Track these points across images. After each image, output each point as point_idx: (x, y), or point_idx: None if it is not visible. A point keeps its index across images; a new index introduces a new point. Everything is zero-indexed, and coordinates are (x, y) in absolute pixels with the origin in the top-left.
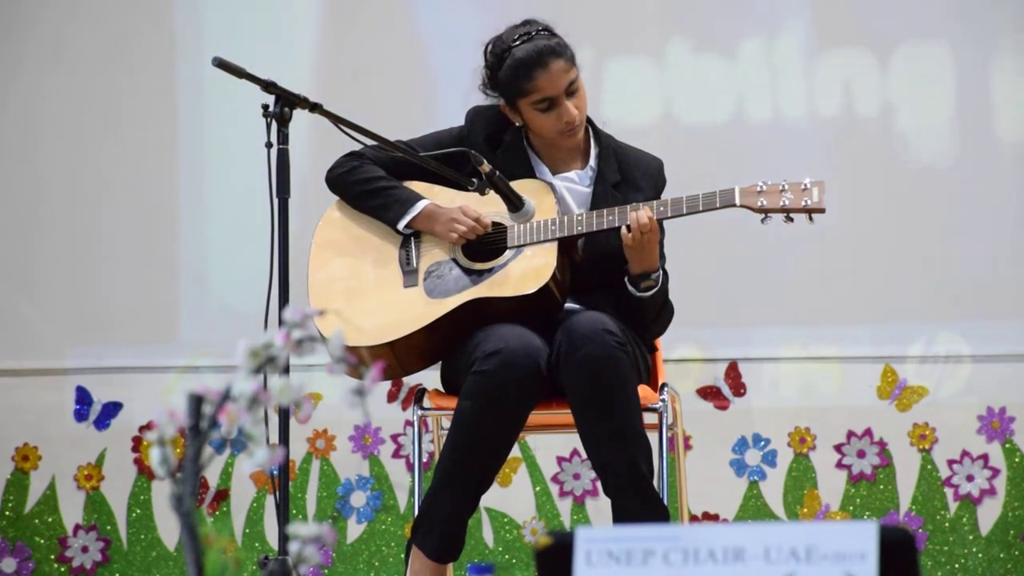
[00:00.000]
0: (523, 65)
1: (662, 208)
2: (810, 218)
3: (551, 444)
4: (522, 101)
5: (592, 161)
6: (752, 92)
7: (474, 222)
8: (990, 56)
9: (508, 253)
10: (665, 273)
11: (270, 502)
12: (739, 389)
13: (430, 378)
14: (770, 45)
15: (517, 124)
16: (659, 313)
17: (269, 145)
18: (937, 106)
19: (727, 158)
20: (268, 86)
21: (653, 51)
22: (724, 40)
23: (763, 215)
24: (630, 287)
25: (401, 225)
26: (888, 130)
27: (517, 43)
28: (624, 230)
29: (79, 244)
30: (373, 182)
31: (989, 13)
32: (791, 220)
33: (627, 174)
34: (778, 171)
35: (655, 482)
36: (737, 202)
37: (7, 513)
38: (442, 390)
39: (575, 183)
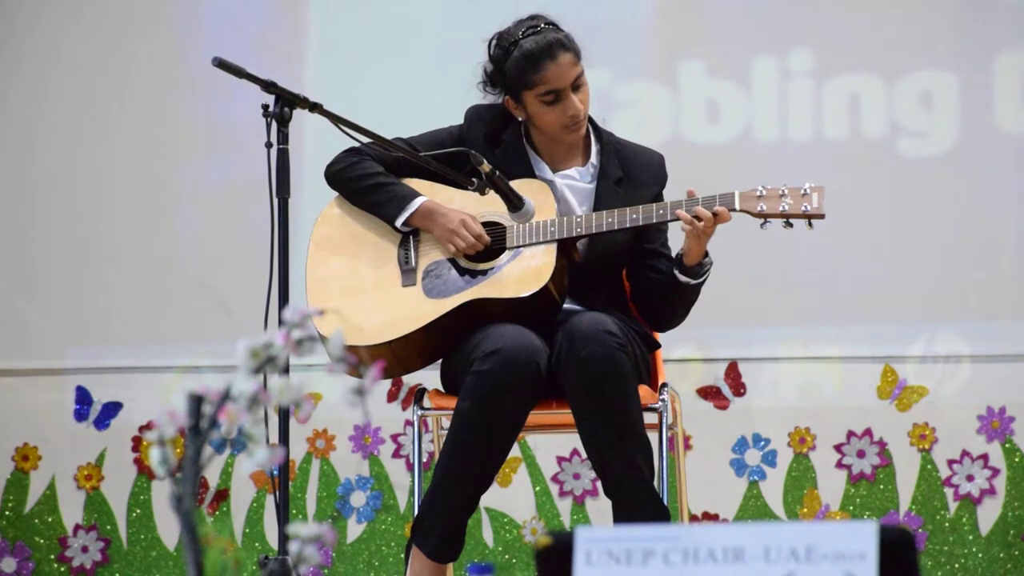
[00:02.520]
0: (531, 56)
1: (661, 211)
2: (809, 224)
3: (551, 444)
4: (528, 93)
5: (593, 158)
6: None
7: (475, 239)
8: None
9: (507, 254)
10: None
11: (270, 502)
12: (739, 389)
13: (430, 378)
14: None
15: (520, 119)
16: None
17: (269, 145)
18: (940, 117)
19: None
20: (268, 86)
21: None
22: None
23: (762, 220)
24: (684, 278)
25: (399, 222)
26: (891, 140)
27: (525, 35)
28: (692, 224)
29: (79, 244)
30: (372, 178)
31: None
32: (790, 225)
33: (629, 170)
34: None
35: (655, 482)
36: (737, 206)
37: (7, 513)
38: (442, 390)
39: (576, 180)
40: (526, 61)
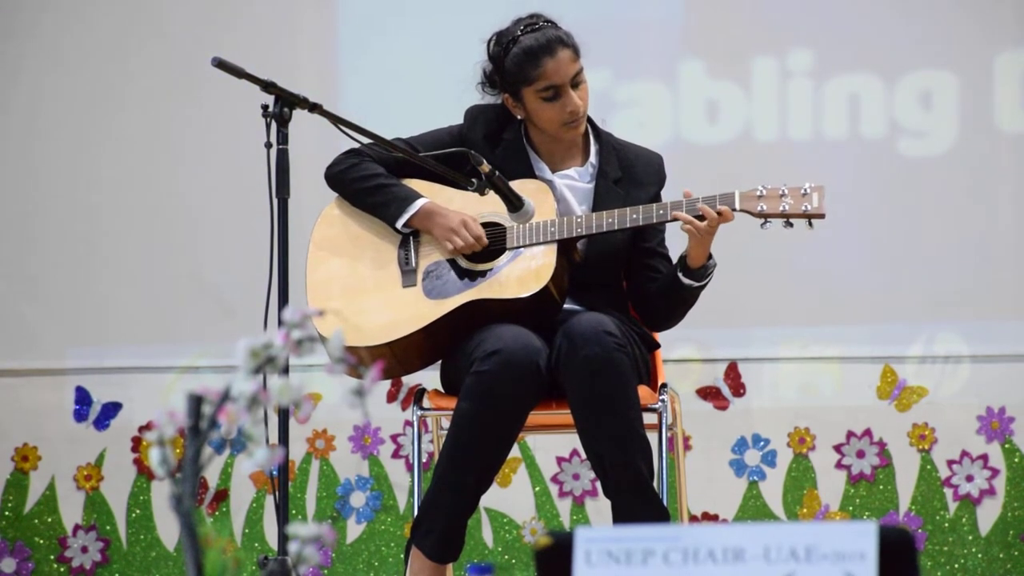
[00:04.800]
0: (531, 52)
1: (661, 211)
2: (809, 223)
3: (551, 444)
4: (527, 90)
5: (592, 158)
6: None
7: (474, 240)
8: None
9: (507, 254)
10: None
11: (269, 502)
12: (739, 389)
13: (430, 378)
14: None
15: (519, 117)
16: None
17: (269, 145)
18: (940, 117)
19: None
20: (268, 86)
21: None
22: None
23: (763, 220)
24: (688, 280)
25: (399, 223)
26: (890, 140)
27: (524, 32)
28: (693, 225)
29: (79, 244)
30: (372, 179)
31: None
32: (790, 225)
33: (628, 170)
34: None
35: (655, 482)
36: (737, 206)
37: (7, 513)
38: (442, 390)
39: (575, 180)
40: (525, 57)
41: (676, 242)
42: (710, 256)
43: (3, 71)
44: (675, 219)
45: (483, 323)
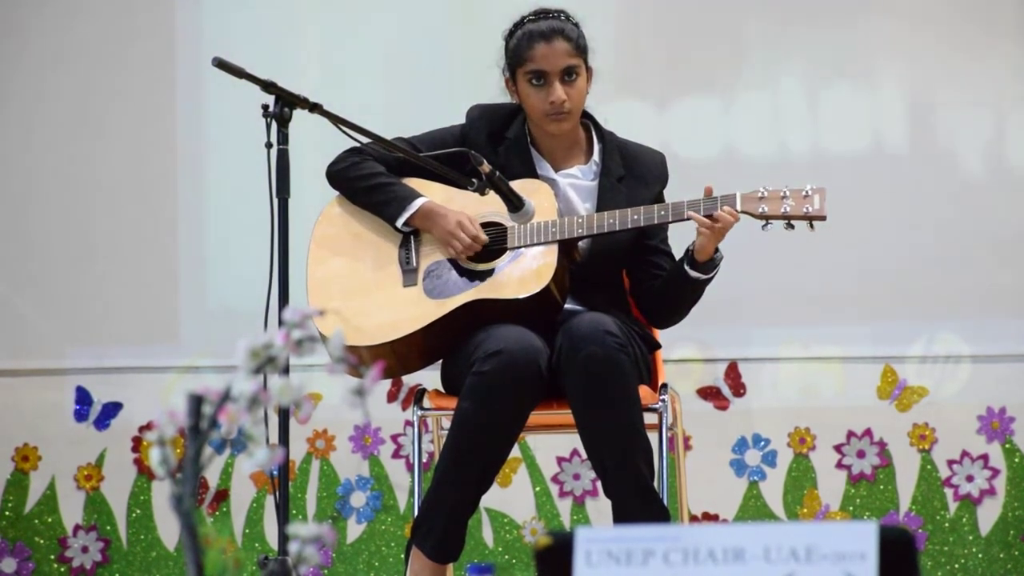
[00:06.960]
0: (529, 35)
1: (662, 212)
2: (811, 225)
3: (551, 444)
4: (519, 71)
5: (596, 156)
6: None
7: (471, 240)
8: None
9: (508, 254)
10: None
11: (270, 502)
12: (739, 389)
13: (430, 378)
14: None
15: (515, 102)
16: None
17: (269, 145)
18: (940, 118)
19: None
20: (268, 86)
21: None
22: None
23: (764, 221)
24: (695, 273)
25: (399, 223)
26: (890, 140)
27: (535, 19)
28: (704, 222)
29: (79, 244)
30: (373, 178)
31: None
32: (792, 227)
33: (631, 168)
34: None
35: (655, 482)
36: (738, 207)
37: (7, 513)
38: (442, 390)
39: (578, 178)
40: (523, 38)
41: (678, 240)
42: (716, 250)
43: (3, 70)
44: (680, 219)
45: (484, 323)
